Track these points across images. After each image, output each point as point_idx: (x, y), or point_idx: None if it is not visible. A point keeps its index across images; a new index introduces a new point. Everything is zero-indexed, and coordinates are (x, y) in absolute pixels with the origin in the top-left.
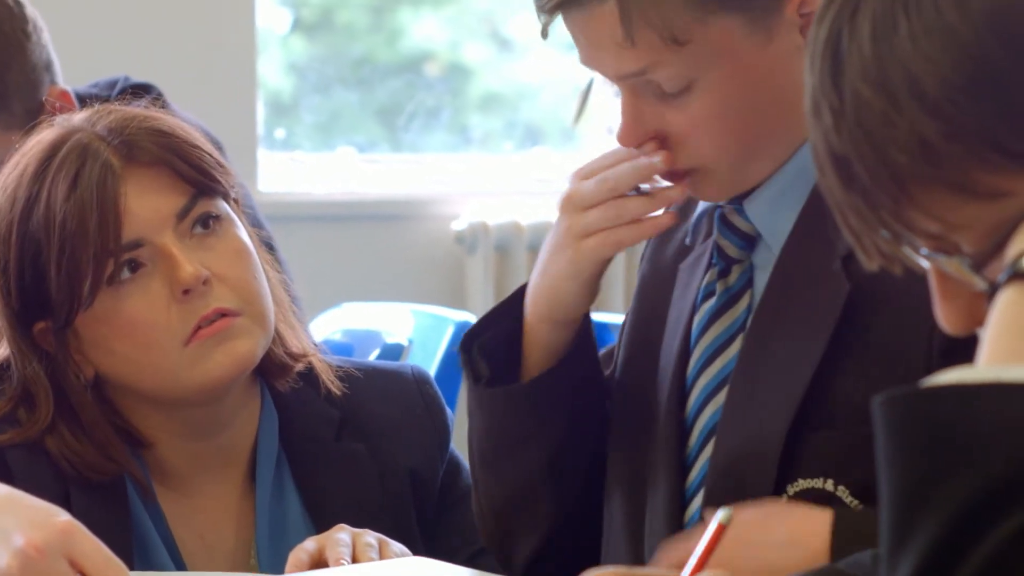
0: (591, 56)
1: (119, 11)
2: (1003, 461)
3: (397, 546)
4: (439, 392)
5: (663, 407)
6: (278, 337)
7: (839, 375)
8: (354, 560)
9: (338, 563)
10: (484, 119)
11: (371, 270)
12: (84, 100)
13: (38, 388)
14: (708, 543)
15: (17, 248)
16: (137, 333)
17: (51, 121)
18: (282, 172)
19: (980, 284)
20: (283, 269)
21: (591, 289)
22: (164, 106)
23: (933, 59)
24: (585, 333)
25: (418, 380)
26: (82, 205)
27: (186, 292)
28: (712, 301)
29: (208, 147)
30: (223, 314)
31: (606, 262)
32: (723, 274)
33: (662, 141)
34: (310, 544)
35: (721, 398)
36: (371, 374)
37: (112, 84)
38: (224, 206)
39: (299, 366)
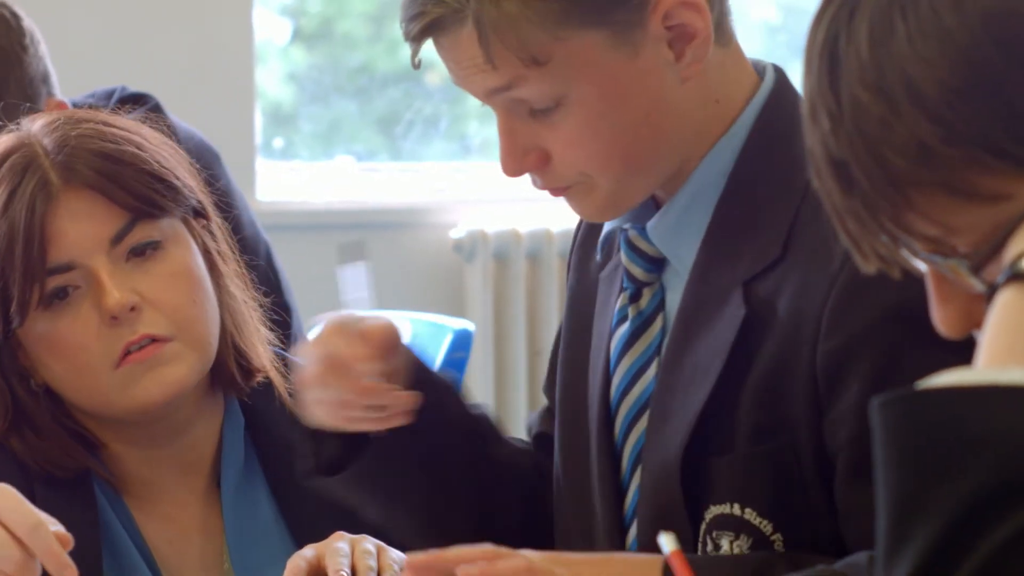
0: (461, 78)
1: (117, 19)
2: (1000, 464)
3: (395, 552)
4: None
5: (594, 433)
6: (235, 352)
7: (736, 399)
8: (353, 568)
9: (338, 575)
10: (482, 127)
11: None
12: None
13: None
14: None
15: None
16: (69, 354)
17: (15, 123)
18: (281, 181)
19: (978, 286)
20: (281, 278)
21: None
22: (160, 114)
23: (930, 62)
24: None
25: None
26: (11, 227)
27: (114, 318)
28: (626, 326)
29: (158, 168)
30: (153, 339)
31: None
32: (634, 297)
33: (542, 158)
34: (308, 551)
35: (643, 423)
36: None
37: (109, 94)
38: (171, 227)
39: (255, 380)
